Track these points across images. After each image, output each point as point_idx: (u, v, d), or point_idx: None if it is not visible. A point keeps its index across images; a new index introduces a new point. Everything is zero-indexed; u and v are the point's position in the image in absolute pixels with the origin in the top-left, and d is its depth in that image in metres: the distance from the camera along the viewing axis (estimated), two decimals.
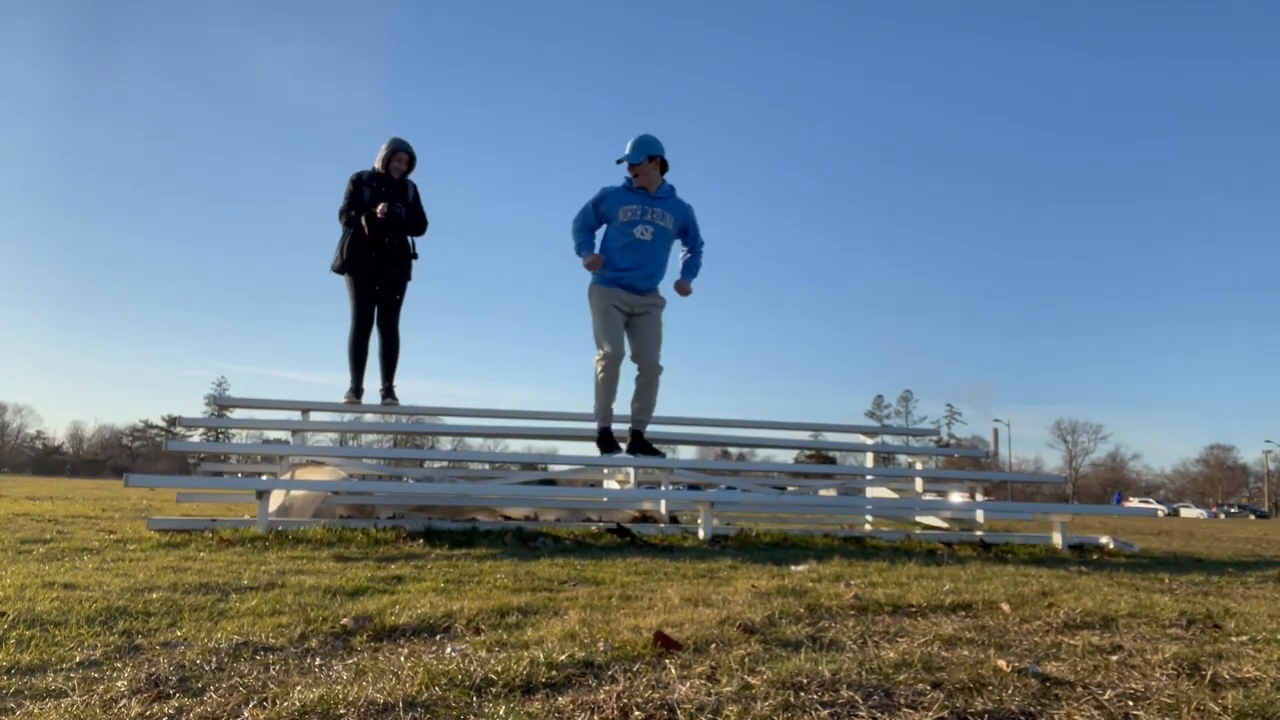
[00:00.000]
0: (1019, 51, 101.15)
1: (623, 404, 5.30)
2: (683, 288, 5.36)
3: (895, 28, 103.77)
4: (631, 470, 6.26)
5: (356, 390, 5.87)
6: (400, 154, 5.84)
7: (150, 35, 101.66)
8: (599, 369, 5.13)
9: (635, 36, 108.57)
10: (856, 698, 1.51)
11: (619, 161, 5.17)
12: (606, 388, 5.15)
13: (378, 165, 5.83)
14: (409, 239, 5.96)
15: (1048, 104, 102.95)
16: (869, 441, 6.91)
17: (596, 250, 5.24)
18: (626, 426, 5.35)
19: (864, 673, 1.66)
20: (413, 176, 5.96)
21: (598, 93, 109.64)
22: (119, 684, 1.52)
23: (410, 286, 6.01)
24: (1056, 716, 1.47)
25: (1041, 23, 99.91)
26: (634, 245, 5.16)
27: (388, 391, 5.94)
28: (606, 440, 5.27)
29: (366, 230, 5.70)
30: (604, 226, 5.27)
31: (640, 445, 5.29)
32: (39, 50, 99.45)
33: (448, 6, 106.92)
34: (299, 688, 1.50)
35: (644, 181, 5.18)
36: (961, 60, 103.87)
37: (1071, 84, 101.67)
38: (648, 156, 5.15)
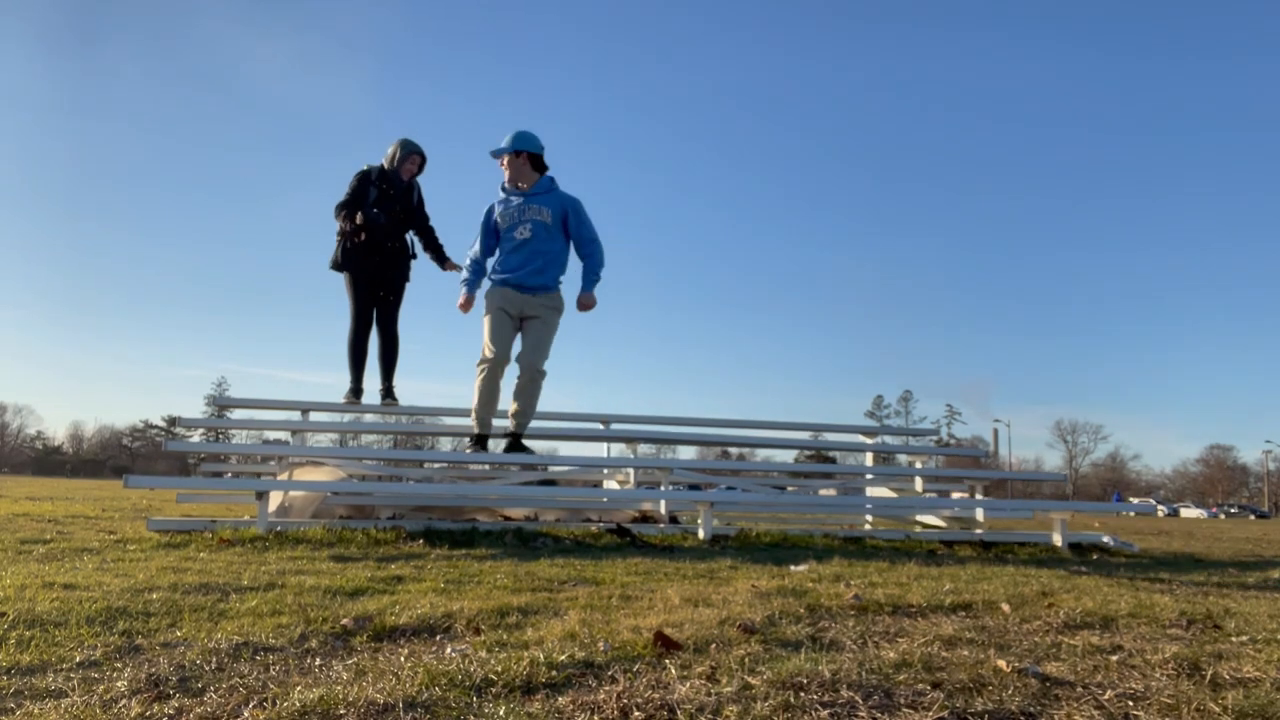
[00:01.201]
0: (1022, 50, 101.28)
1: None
2: (582, 302, 5.09)
3: (885, 27, 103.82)
4: (631, 470, 6.26)
5: (356, 390, 5.86)
6: (413, 157, 5.80)
7: (145, 32, 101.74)
8: (479, 373, 5.02)
9: (636, 28, 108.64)
10: (856, 698, 1.51)
11: (493, 154, 5.10)
12: (485, 392, 5.03)
13: (386, 164, 5.79)
14: (408, 239, 5.95)
15: (1048, 102, 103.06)
16: (869, 441, 6.91)
17: (486, 274, 5.20)
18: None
19: (864, 673, 1.66)
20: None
21: (596, 85, 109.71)
22: (119, 684, 1.52)
23: (410, 285, 6.00)
24: (1056, 716, 1.47)
25: (1039, 18, 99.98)
26: (517, 246, 5.07)
27: (387, 391, 5.92)
28: (482, 445, 5.17)
29: (362, 234, 5.67)
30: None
31: (517, 448, 5.22)
32: (36, 48, 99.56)
33: None
34: (299, 688, 1.50)
35: (513, 176, 5.08)
36: (961, 62, 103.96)
37: (1072, 81, 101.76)
38: (515, 151, 5.05)
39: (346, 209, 5.69)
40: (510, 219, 5.08)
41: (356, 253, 5.73)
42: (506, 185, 5.12)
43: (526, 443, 5.27)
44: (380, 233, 5.72)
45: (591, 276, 5.14)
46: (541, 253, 5.06)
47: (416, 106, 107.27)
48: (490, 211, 5.17)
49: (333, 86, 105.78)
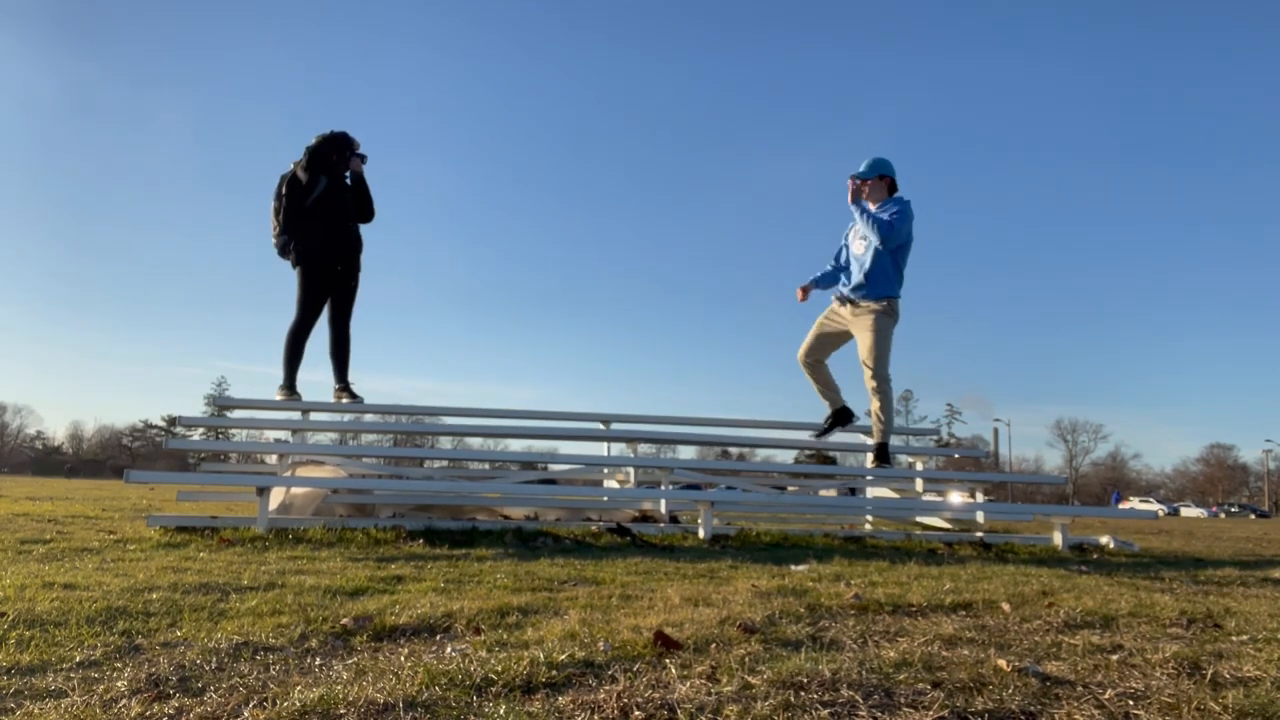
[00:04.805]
0: (1022, 54, 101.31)
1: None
2: (853, 184, 5.50)
3: (899, 28, 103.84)
4: (631, 470, 6.27)
5: (292, 386, 5.66)
6: (360, 156, 5.73)
7: (143, 31, 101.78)
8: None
9: (640, 26, 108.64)
10: (857, 697, 1.51)
11: (852, 177, 5.55)
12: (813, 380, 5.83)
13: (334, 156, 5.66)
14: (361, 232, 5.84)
15: (1050, 104, 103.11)
16: (870, 441, 6.90)
17: (838, 282, 5.72)
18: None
19: (864, 672, 1.66)
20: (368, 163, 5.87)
21: (600, 88, 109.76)
22: (119, 684, 1.52)
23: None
24: (1057, 716, 1.47)
25: (1045, 24, 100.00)
26: (850, 259, 5.65)
27: (346, 388, 5.71)
28: (840, 419, 5.87)
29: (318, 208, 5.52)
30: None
31: (881, 457, 5.69)
32: (35, 47, 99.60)
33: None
34: (299, 688, 1.50)
35: (868, 197, 5.57)
36: (963, 65, 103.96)
37: (1077, 81, 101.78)
38: (874, 176, 5.51)
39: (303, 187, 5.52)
40: (855, 235, 5.58)
41: (321, 237, 5.55)
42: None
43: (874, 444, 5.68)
44: (343, 215, 5.61)
45: (871, 212, 5.40)
46: (863, 266, 5.44)
47: (419, 102, 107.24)
48: (848, 231, 5.68)
49: (335, 82, 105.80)
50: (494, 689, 1.53)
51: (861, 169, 5.55)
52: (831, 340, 5.72)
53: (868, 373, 5.45)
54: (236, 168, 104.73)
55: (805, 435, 6.48)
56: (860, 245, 5.52)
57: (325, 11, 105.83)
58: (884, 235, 5.32)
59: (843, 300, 5.57)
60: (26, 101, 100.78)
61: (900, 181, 5.56)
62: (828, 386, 5.80)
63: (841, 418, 5.80)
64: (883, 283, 5.41)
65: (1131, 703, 1.54)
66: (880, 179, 5.50)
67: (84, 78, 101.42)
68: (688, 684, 1.57)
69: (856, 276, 5.46)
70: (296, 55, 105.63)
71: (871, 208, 5.42)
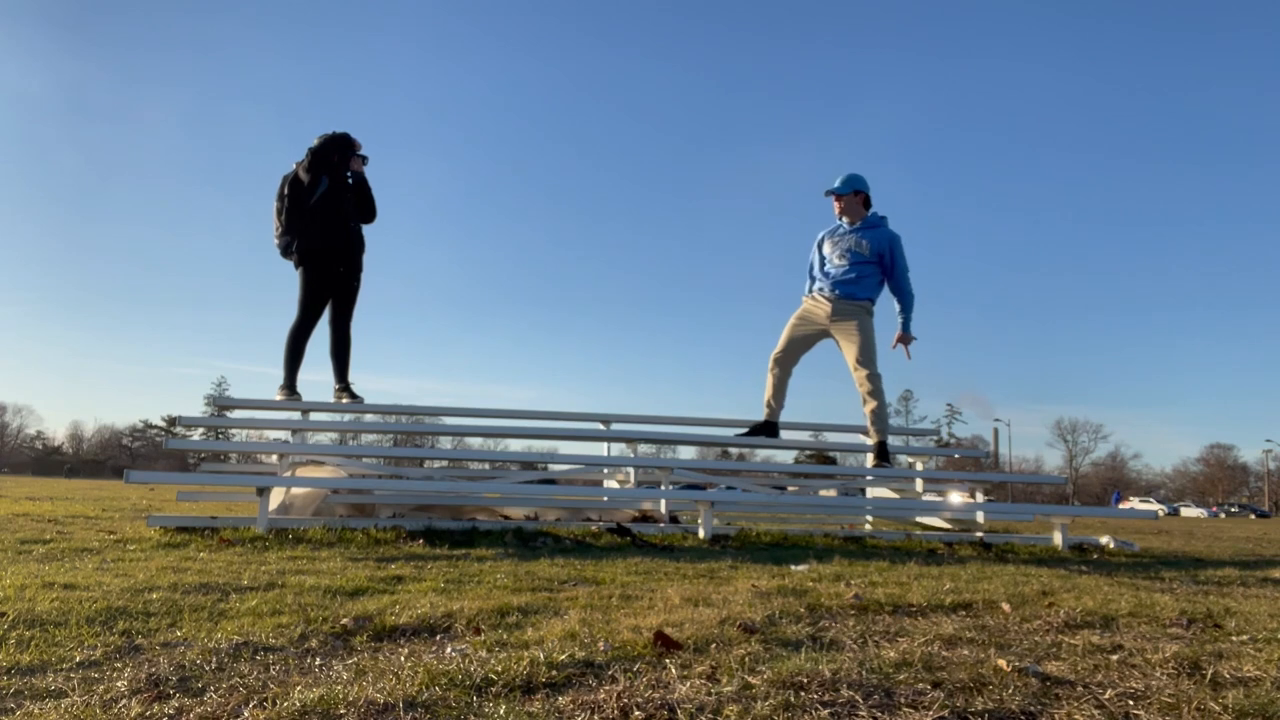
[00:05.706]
0: (1029, 52, 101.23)
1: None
2: (900, 339, 5.65)
3: (920, 28, 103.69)
4: (631, 470, 6.26)
5: (292, 386, 5.64)
6: (361, 157, 5.72)
7: (135, 28, 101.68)
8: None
9: (634, 24, 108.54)
10: (857, 697, 1.51)
11: (826, 193, 5.73)
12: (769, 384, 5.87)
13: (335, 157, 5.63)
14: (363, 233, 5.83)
15: (1051, 101, 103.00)
16: (869, 441, 6.89)
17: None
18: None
19: (864, 672, 1.66)
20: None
21: (607, 91, 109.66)
22: (119, 684, 1.52)
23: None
24: (1057, 716, 1.47)
25: (1050, 29, 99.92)
26: (835, 265, 5.78)
27: (346, 388, 5.70)
28: (768, 431, 5.84)
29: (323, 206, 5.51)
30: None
31: (881, 456, 5.76)
32: (36, 46, 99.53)
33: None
34: (299, 688, 1.50)
35: (844, 211, 5.71)
36: (978, 61, 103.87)
37: (1075, 81, 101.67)
38: (851, 191, 5.67)
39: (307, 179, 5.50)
40: (835, 246, 5.70)
41: (322, 238, 5.55)
42: (839, 219, 5.77)
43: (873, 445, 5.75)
44: (346, 210, 5.60)
45: (906, 316, 5.65)
46: (846, 271, 5.61)
47: (424, 100, 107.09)
48: (820, 240, 5.82)
49: (328, 80, 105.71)
50: (494, 689, 1.53)
51: (836, 185, 5.68)
52: (804, 343, 5.80)
53: (862, 373, 5.49)
54: (234, 167, 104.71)
55: (805, 435, 6.52)
56: (843, 257, 5.62)
57: (317, 9, 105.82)
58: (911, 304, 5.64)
59: (822, 300, 5.64)
60: (20, 99, 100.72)
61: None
62: (779, 395, 5.84)
63: (769, 431, 5.86)
64: (868, 287, 5.59)
65: (1131, 703, 1.54)
66: (855, 194, 5.67)
67: (78, 76, 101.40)
68: (688, 684, 1.57)
69: (841, 274, 5.58)
70: (290, 53, 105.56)
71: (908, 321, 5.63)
